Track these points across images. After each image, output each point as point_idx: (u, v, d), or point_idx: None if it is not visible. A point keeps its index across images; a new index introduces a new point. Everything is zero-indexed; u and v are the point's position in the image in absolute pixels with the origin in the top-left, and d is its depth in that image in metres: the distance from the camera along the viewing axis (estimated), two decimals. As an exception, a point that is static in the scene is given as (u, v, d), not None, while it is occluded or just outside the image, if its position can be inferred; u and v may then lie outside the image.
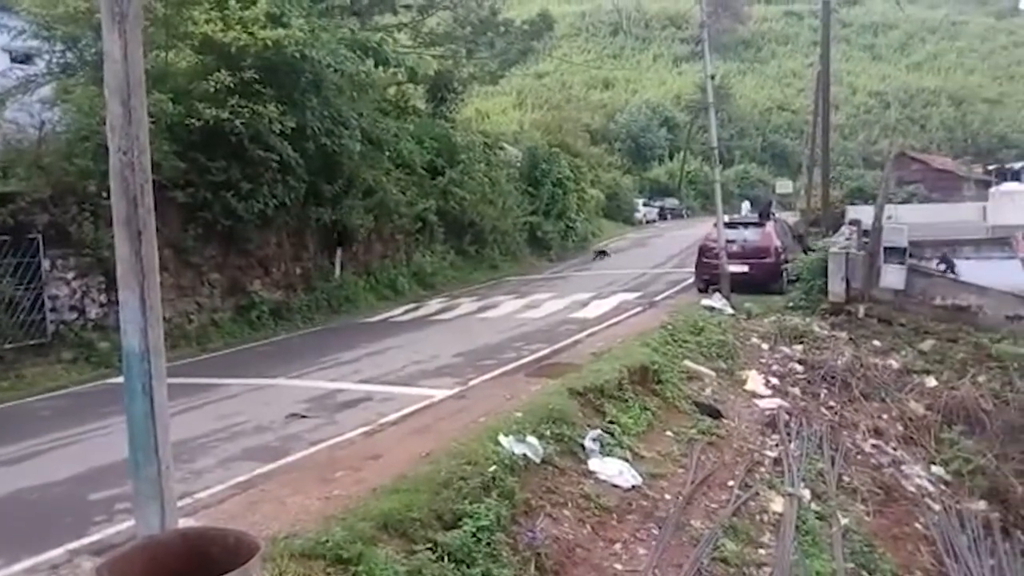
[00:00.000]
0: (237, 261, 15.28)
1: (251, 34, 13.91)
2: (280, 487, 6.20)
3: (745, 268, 16.76)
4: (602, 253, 27.60)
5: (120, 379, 9.66)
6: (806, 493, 8.42)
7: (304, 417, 8.32)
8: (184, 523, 4.45)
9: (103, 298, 12.48)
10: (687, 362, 11.33)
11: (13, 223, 11.25)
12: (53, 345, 11.74)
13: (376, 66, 20.83)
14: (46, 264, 11.84)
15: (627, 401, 9.15)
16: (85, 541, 5.40)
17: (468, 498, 6.04)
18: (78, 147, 12.27)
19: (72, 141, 12.46)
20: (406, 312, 16.86)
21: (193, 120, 13.20)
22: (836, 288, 15.35)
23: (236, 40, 13.75)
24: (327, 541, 5.08)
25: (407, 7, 26.94)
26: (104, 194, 11.93)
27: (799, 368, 12.57)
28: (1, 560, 5.13)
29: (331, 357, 11.87)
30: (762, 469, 8.79)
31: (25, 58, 14.16)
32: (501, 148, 29.72)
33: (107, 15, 4.32)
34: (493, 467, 6.56)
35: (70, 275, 12.20)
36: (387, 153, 19.54)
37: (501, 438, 7.06)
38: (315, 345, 13.33)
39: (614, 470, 7.50)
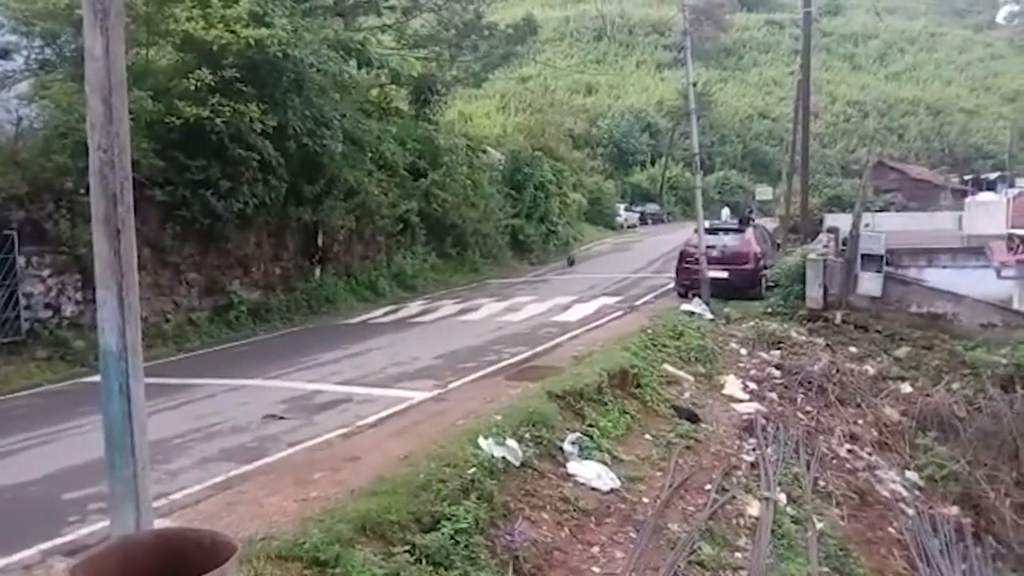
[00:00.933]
0: (216, 260, 15.14)
1: (233, 32, 13.80)
2: (257, 488, 6.16)
3: (725, 274, 16.91)
4: (571, 261, 27.52)
5: (96, 378, 9.55)
6: (782, 497, 8.50)
7: (282, 418, 8.26)
8: (160, 524, 4.41)
9: (79, 296, 12.31)
10: (666, 366, 11.41)
11: (-12, 220, 11.09)
12: (27, 343, 11.56)
13: (359, 67, 20.78)
14: (21, 261, 11.66)
15: (606, 405, 9.19)
16: (58, 541, 5.33)
17: (447, 500, 6.04)
18: (56, 143, 12.09)
19: (50, 137, 12.27)
20: (386, 314, 16.80)
21: (173, 118, 13.07)
22: (814, 294, 15.53)
23: (218, 38, 13.63)
24: (304, 543, 5.06)
25: (391, 8, 26.86)
26: (82, 191, 11.79)
27: (776, 373, 12.70)
28: (-29, 561, 5.05)
29: (310, 358, 11.80)
30: (739, 473, 8.86)
31: (3, 54, 13.90)
32: (484, 151, 29.73)
33: (89, 12, 4.28)
34: (472, 469, 6.56)
35: (45, 272, 12.01)
36: (369, 154, 19.46)
37: (480, 441, 7.06)
38: (294, 346, 13.24)
39: (593, 473, 7.52)
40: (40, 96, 12.94)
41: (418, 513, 5.83)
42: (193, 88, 13.21)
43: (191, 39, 13.68)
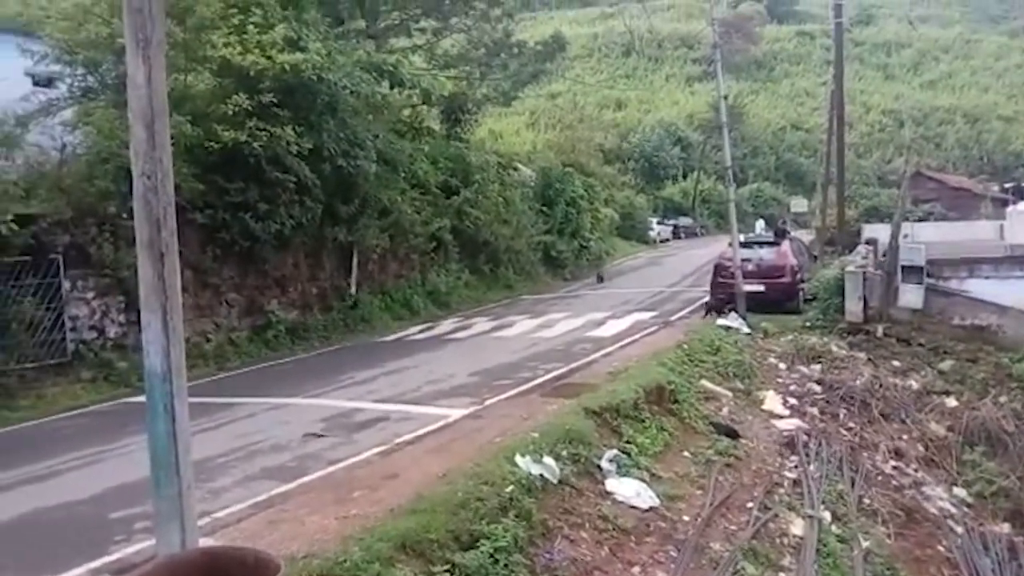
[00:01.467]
0: (254, 281, 15.41)
1: (269, 58, 14.10)
2: (298, 507, 6.21)
3: (761, 287, 16.70)
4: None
5: (139, 398, 9.76)
6: (826, 515, 8.33)
7: (321, 436, 8.35)
8: (204, 542, 4.47)
9: (122, 318, 12.62)
10: (704, 382, 11.28)
11: (35, 244, 11.40)
12: (73, 364, 11.86)
13: (391, 88, 21.08)
14: (67, 284, 11.99)
15: (644, 421, 9.10)
16: (106, 560, 5.43)
17: (485, 519, 6.02)
18: (98, 169, 12.45)
19: (92, 163, 12.64)
20: (421, 331, 16.91)
21: (212, 142, 13.37)
22: (853, 307, 15.26)
23: (254, 64, 13.93)
24: (345, 561, 5.07)
25: (421, 30, 27.32)
26: (124, 215, 12.10)
27: (817, 388, 12.48)
28: (23, 579, 5.17)
29: (347, 376, 11.91)
30: (781, 490, 8.71)
31: (47, 82, 14.35)
32: (514, 168, 29.87)
33: (131, 41, 4.39)
34: (510, 488, 6.54)
35: (90, 295, 12.35)
36: (402, 173, 19.72)
37: (518, 458, 7.04)
38: (332, 364, 13.39)
39: (631, 491, 7.45)
40: (83, 123, 13.35)
41: (457, 531, 5.82)
42: (231, 113, 13.50)
43: (228, 65, 14.00)
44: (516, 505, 6.36)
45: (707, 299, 17.69)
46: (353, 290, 18.03)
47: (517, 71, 28.27)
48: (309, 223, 15.85)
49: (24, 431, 9.83)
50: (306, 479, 6.98)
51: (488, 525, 5.95)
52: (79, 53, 13.55)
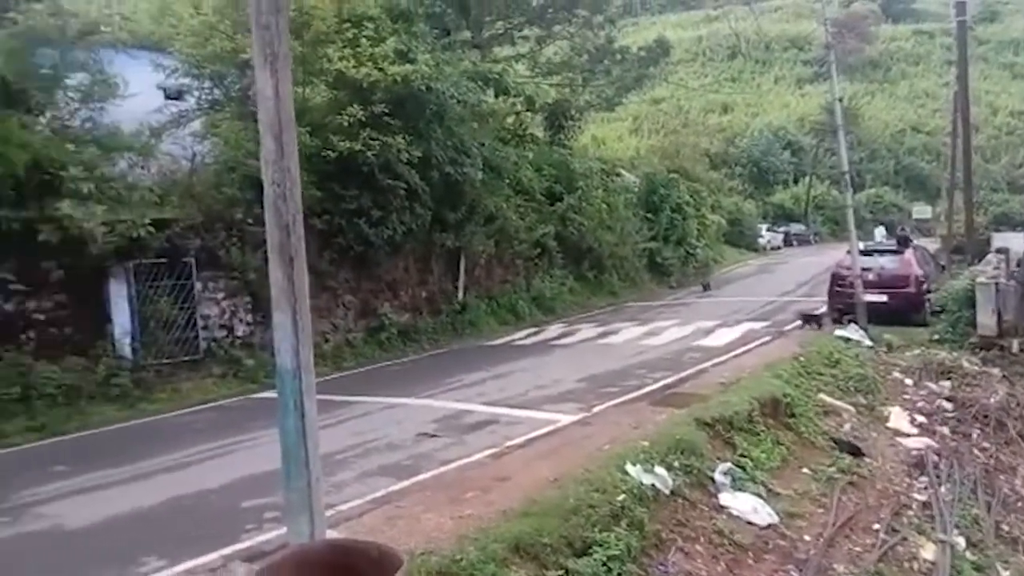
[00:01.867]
0: (368, 284, 15.96)
1: (381, 70, 14.57)
2: (414, 504, 6.35)
3: (883, 298, 15.80)
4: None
5: (265, 394, 10.28)
6: (960, 541, 7.76)
7: (434, 437, 8.53)
8: (329, 534, 4.64)
9: (249, 318, 13.37)
10: (822, 396, 10.78)
11: (169, 247, 12.20)
12: (205, 361, 12.61)
13: (496, 96, 21.39)
14: (198, 286, 12.77)
15: (758, 434, 8.79)
16: (238, 547, 5.72)
17: (598, 526, 5.98)
18: (226, 177, 13.22)
19: (220, 171, 13.43)
20: (527, 336, 17.01)
21: (328, 152, 13.95)
22: (986, 321, 14.21)
23: (367, 76, 14.42)
24: (461, 560, 5.15)
25: (525, 38, 27.59)
26: (250, 221, 12.80)
27: (947, 406, 11.67)
28: (165, 561, 5.52)
29: (456, 379, 12.12)
30: (910, 513, 8.19)
31: (177, 95, 15.27)
32: (618, 174, 29.65)
33: (259, 56, 4.62)
34: (621, 496, 6.46)
35: (220, 296, 13.13)
36: (507, 180, 19.99)
37: (628, 467, 6.95)
38: (441, 367, 13.67)
39: (747, 506, 7.20)
40: (211, 133, 14.21)
41: (570, 537, 5.80)
42: (346, 124, 14.03)
43: (343, 77, 14.53)
44: (628, 514, 6.28)
45: (804, 309, 16.92)
46: (461, 295, 18.37)
47: (620, 77, 28.09)
48: (419, 229, 16.29)
49: (161, 422, 10.53)
50: (420, 478, 7.15)
51: (600, 532, 5.90)
52: (206, 67, 14.43)
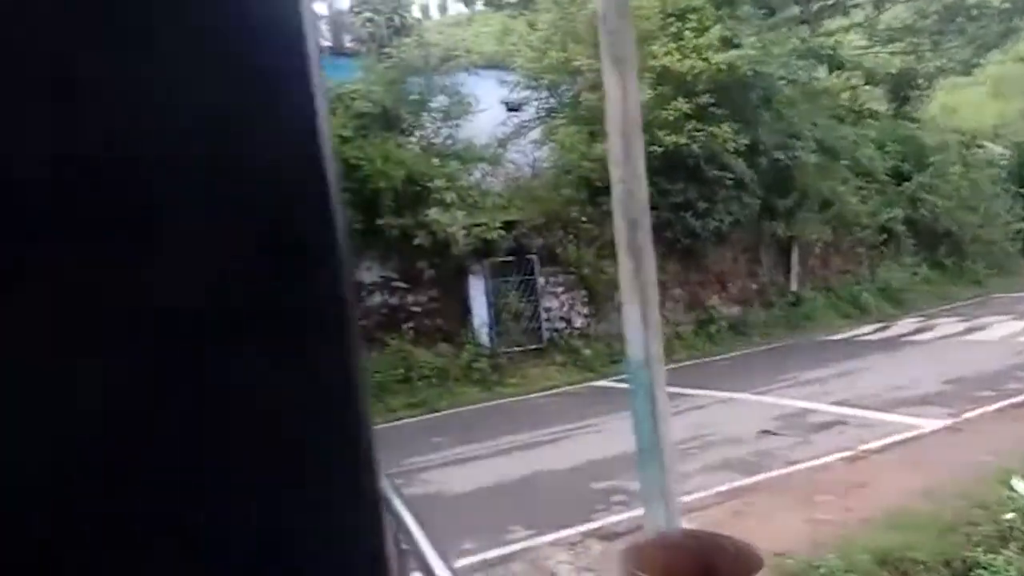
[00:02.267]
0: (695, 277, 15.94)
1: (705, 60, 14.40)
2: (760, 502, 6.22)
3: None
4: None
5: (602, 382, 10.94)
6: None
7: (776, 435, 8.24)
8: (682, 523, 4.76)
9: (585, 310, 14.27)
10: None
11: (516, 246, 13.52)
12: (547, 350, 13.73)
13: (829, 72, 19.83)
14: (541, 281, 13.94)
15: None
16: (592, 526, 6.11)
17: (981, 546, 5.27)
18: (563, 179, 14.22)
19: (558, 174, 14.48)
20: (875, 331, 15.50)
21: (654, 147, 14.15)
22: None
23: (691, 68, 14.36)
24: (820, 568, 4.93)
25: (858, 6, 25.09)
26: (583, 219, 13.64)
27: None
28: (533, 531, 6.13)
29: (791, 375, 11.52)
30: None
31: (517, 107, 16.76)
32: (980, 146, 25.55)
33: (607, 59, 4.86)
34: (1010, 515, 5.62)
35: (559, 290, 14.21)
36: (843, 161, 18.44)
37: (1015, 482, 6.02)
38: (775, 361, 13.09)
39: None
40: (548, 140, 15.34)
41: (947, 555, 5.20)
42: (671, 118, 14.13)
43: (666, 72, 14.62)
44: (1018, 536, 5.45)
45: None
46: (794, 286, 17.41)
47: (978, 34, 24.16)
48: (747, 219, 15.84)
49: (514, 404, 11.68)
50: (765, 475, 6.96)
51: (986, 554, 5.20)
52: (543, 78, 15.60)
